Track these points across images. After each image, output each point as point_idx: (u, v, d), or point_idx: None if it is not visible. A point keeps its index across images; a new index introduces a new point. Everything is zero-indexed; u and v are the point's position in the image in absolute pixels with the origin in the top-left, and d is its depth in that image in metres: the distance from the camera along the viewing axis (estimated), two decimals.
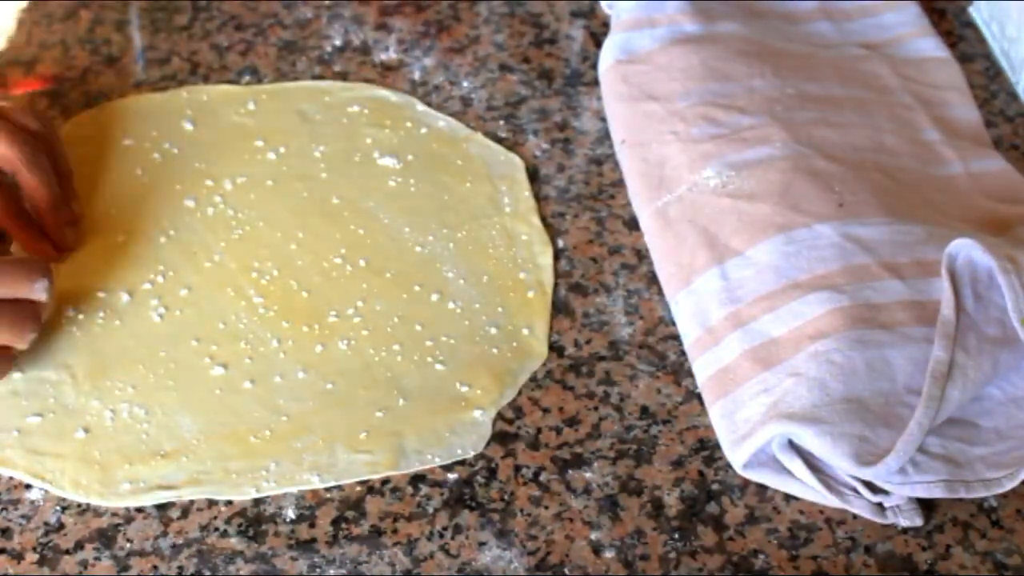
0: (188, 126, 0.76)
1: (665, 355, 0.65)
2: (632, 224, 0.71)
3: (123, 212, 0.71)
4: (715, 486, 0.59)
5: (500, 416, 0.62)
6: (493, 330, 0.66)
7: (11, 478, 0.60)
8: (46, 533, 0.58)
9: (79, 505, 0.59)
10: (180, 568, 0.56)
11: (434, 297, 0.67)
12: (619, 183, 0.73)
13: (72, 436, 0.61)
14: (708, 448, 0.61)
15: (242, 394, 0.63)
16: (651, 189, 0.70)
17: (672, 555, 0.57)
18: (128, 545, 0.57)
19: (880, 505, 0.57)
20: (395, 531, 0.58)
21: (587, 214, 0.72)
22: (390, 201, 0.72)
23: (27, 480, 0.59)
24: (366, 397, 0.63)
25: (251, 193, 0.72)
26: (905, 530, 0.57)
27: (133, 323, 0.66)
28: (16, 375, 0.63)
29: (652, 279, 0.68)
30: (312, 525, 0.58)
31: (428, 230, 0.71)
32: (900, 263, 0.63)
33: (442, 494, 0.59)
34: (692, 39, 0.77)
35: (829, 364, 0.59)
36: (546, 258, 0.69)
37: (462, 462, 0.60)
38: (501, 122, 0.77)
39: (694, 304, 0.65)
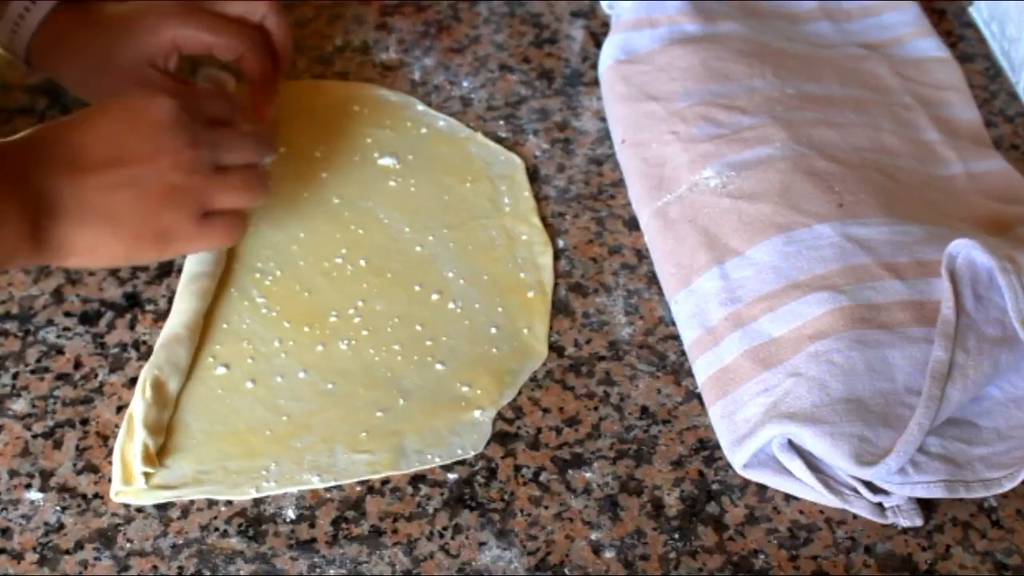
0: None
1: (665, 355, 0.65)
2: (632, 224, 0.71)
3: None
4: (715, 486, 0.59)
5: (500, 416, 0.62)
6: (493, 330, 0.66)
7: (12, 478, 0.60)
8: (46, 533, 0.58)
9: (79, 505, 0.59)
10: (180, 568, 0.56)
11: (434, 297, 0.67)
12: (619, 183, 0.73)
13: None
14: (708, 448, 0.61)
15: (243, 394, 0.63)
16: (651, 189, 0.70)
17: (672, 555, 0.57)
18: (128, 545, 0.57)
19: (880, 505, 0.57)
20: (395, 531, 0.58)
21: (587, 214, 0.72)
22: (390, 201, 0.72)
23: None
24: (366, 397, 0.63)
25: None
26: (905, 530, 0.57)
27: None
28: None
29: (652, 279, 0.68)
30: (312, 525, 0.58)
31: (428, 230, 0.71)
32: (900, 263, 0.63)
33: (442, 494, 0.59)
34: (692, 39, 0.77)
35: (829, 364, 0.59)
36: (546, 258, 0.69)
37: (462, 462, 0.60)
38: (501, 122, 0.77)
39: (694, 304, 0.65)
